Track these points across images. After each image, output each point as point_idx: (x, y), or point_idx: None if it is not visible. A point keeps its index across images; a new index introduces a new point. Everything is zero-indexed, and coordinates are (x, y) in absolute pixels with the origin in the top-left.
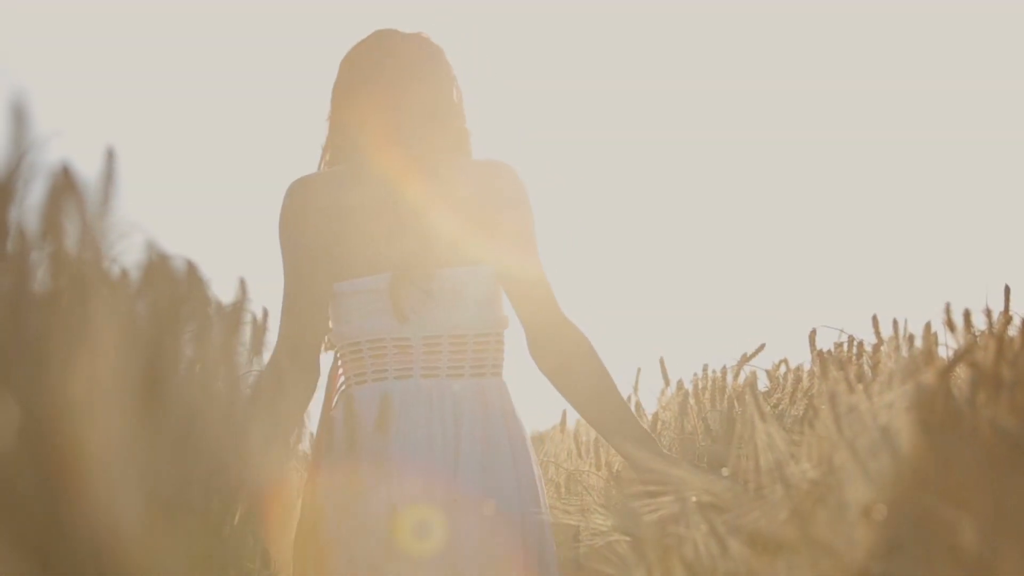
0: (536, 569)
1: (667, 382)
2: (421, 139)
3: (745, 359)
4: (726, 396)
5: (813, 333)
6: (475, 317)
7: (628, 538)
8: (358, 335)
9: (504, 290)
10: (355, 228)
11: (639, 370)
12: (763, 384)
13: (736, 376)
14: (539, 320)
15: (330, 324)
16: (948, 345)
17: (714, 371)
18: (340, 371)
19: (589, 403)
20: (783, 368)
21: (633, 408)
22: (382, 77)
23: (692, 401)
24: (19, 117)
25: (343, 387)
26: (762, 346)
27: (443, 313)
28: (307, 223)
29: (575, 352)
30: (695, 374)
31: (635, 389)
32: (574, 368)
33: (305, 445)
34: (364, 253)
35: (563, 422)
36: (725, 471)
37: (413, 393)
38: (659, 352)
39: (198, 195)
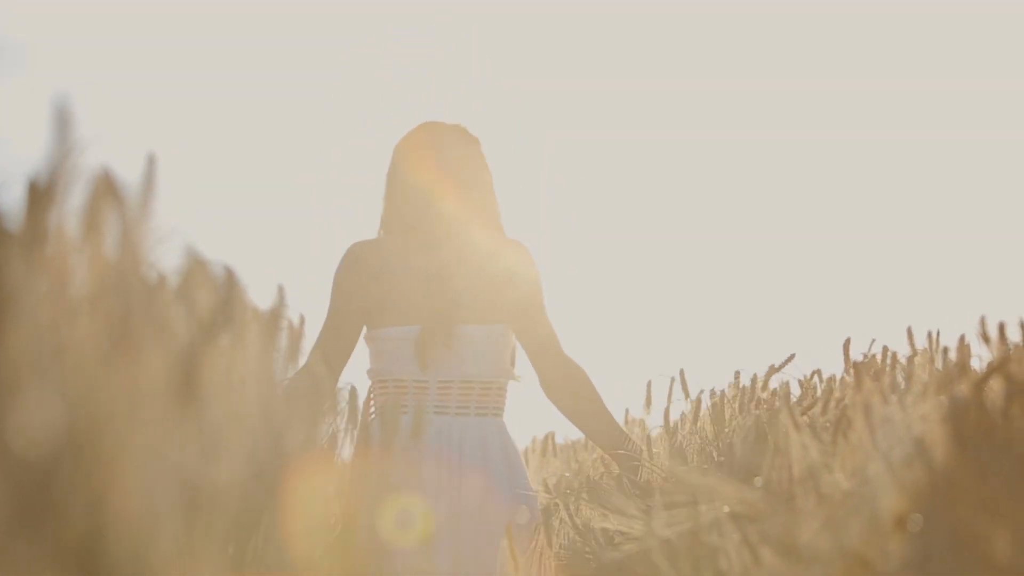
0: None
1: (687, 394)
2: (455, 219)
3: (773, 369)
4: (753, 404)
5: (847, 343)
6: (483, 368)
7: (662, 545)
8: (387, 374)
9: (519, 342)
10: (395, 286)
11: (672, 380)
12: (796, 394)
13: (765, 386)
14: (548, 367)
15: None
16: (982, 357)
17: (744, 383)
18: (372, 402)
19: (591, 428)
20: (816, 379)
21: (663, 418)
22: (426, 166)
23: (708, 413)
24: (62, 121)
25: (373, 415)
26: (791, 356)
27: (457, 363)
28: (357, 279)
29: (574, 385)
30: (713, 388)
31: (668, 398)
32: (573, 397)
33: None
34: (400, 307)
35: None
36: (758, 480)
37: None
38: (693, 363)
39: (238, 200)
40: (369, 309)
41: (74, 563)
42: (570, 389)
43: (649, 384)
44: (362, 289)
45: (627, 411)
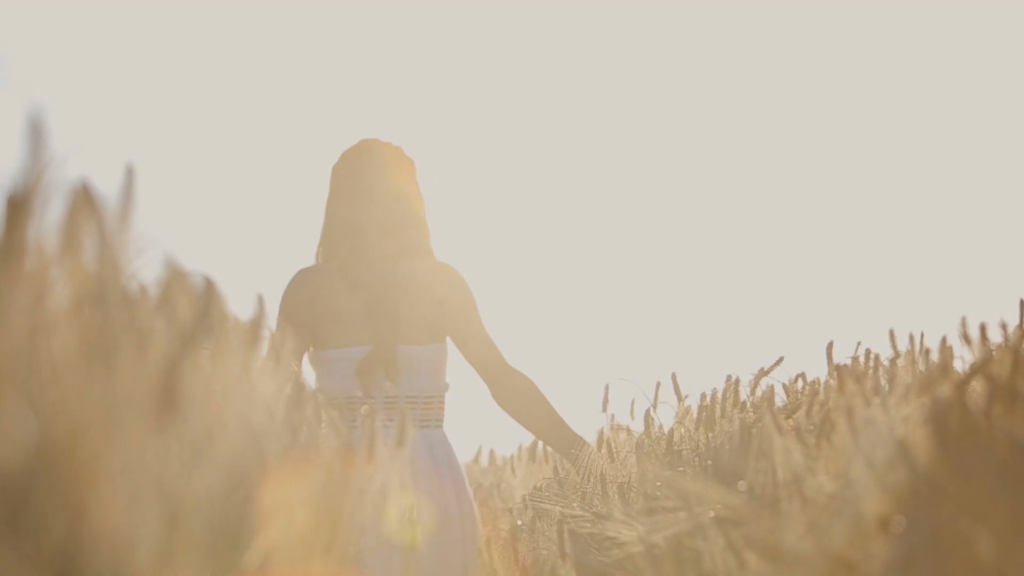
0: (469, 552)
1: (680, 398)
2: (391, 243)
3: (763, 372)
4: (740, 408)
5: (830, 346)
6: (425, 384)
7: (648, 549)
8: (338, 392)
9: (463, 356)
10: (338, 311)
11: (658, 384)
12: (780, 398)
13: (754, 390)
14: (492, 375)
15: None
16: (964, 358)
17: (733, 384)
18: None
19: (543, 433)
20: (800, 382)
21: (651, 423)
22: (360, 192)
23: (695, 418)
24: (37, 133)
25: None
26: (780, 359)
27: (401, 380)
28: (303, 303)
29: (524, 393)
30: (713, 388)
31: (653, 405)
32: (524, 405)
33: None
34: (345, 330)
35: (600, 439)
36: (742, 484)
37: None
38: (677, 368)
39: (217, 211)
40: (314, 332)
41: (53, 574)
42: (517, 398)
43: (658, 386)
44: (307, 313)
45: (612, 416)
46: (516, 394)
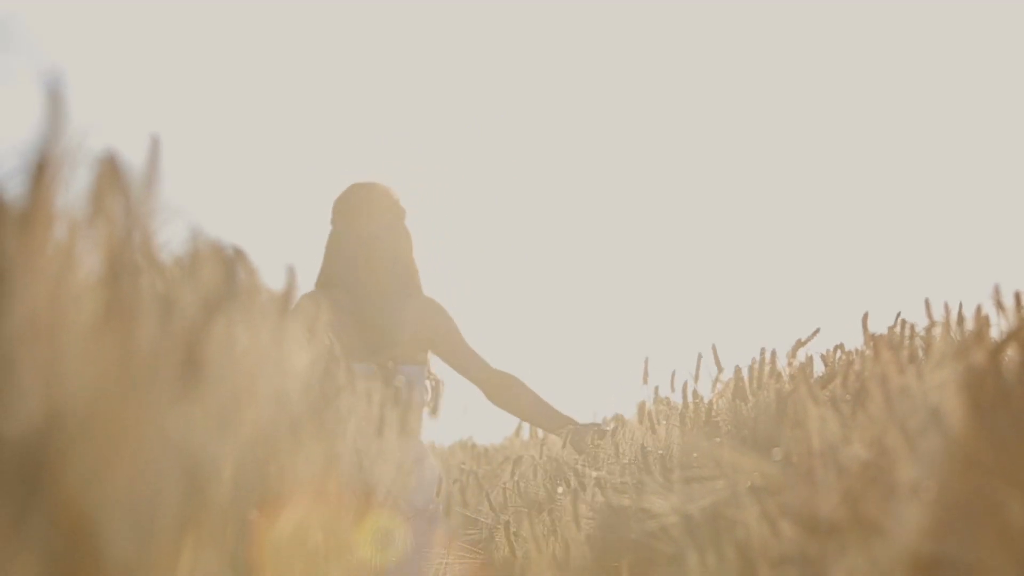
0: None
1: (720, 369)
2: (380, 280)
3: (800, 343)
4: (776, 378)
5: (866, 316)
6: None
7: (684, 519)
8: None
9: (453, 369)
10: (339, 328)
11: (700, 356)
12: (819, 369)
13: (791, 361)
14: (479, 379)
15: None
16: (1001, 327)
17: (769, 356)
18: None
19: (534, 418)
20: (838, 353)
21: (691, 394)
22: (355, 232)
23: (745, 385)
24: (55, 97)
25: None
26: (816, 331)
27: None
28: None
29: (509, 388)
30: (753, 358)
31: (695, 377)
32: (512, 399)
33: None
34: (345, 347)
35: (640, 410)
36: (776, 452)
37: None
38: (718, 341)
39: (245, 183)
40: None
41: (75, 541)
42: (504, 393)
43: (700, 358)
44: None
45: (656, 389)
46: (503, 390)
